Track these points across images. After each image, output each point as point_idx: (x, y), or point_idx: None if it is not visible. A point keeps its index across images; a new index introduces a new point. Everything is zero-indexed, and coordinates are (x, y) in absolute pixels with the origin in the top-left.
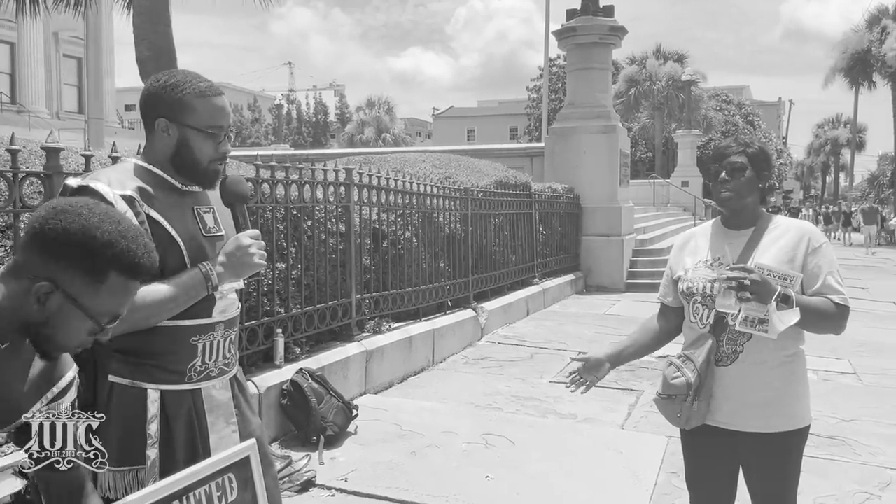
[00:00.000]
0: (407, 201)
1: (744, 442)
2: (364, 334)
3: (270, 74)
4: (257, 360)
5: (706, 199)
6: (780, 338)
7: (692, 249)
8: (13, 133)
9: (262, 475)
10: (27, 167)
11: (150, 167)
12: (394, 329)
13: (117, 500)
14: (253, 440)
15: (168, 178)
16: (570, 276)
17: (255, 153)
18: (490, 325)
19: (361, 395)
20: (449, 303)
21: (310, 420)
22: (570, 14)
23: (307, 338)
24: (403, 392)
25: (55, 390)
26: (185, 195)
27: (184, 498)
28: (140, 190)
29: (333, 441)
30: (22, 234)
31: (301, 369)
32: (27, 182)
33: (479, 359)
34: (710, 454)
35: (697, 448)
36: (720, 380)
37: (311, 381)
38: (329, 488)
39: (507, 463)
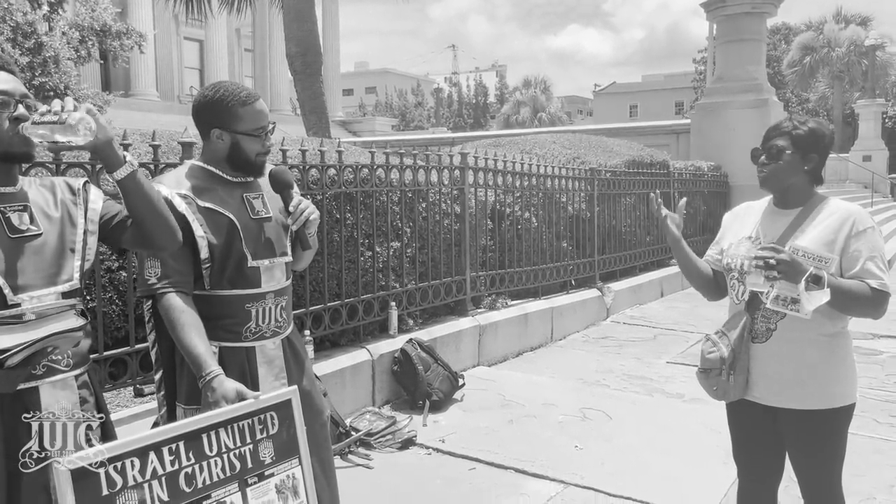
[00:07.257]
0: (526, 183)
1: (782, 418)
2: (479, 310)
3: (435, 58)
4: (373, 329)
5: (892, 176)
6: (817, 317)
7: (741, 224)
8: (186, 128)
9: (304, 419)
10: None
11: (206, 166)
12: (510, 306)
13: None
14: (295, 387)
15: (221, 173)
16: None
17: (416, 137)
18: (617, 305)
19: (474, 366)
20: (573, 282)
21: (417, 386)
22: None
23: (421, 311)
24: (515, 366)
25: None
26: (235, 186)
27: (230, 426)
28: (193, 188)
29: (438, 406)
30: None
31: (411, 339)
32: None
33: (599, 338)
34: (753, 428)
35: (740, 422)
36: (756, 356)
37: (419, 350)
38: (427, 447)
39: (599, 435)
